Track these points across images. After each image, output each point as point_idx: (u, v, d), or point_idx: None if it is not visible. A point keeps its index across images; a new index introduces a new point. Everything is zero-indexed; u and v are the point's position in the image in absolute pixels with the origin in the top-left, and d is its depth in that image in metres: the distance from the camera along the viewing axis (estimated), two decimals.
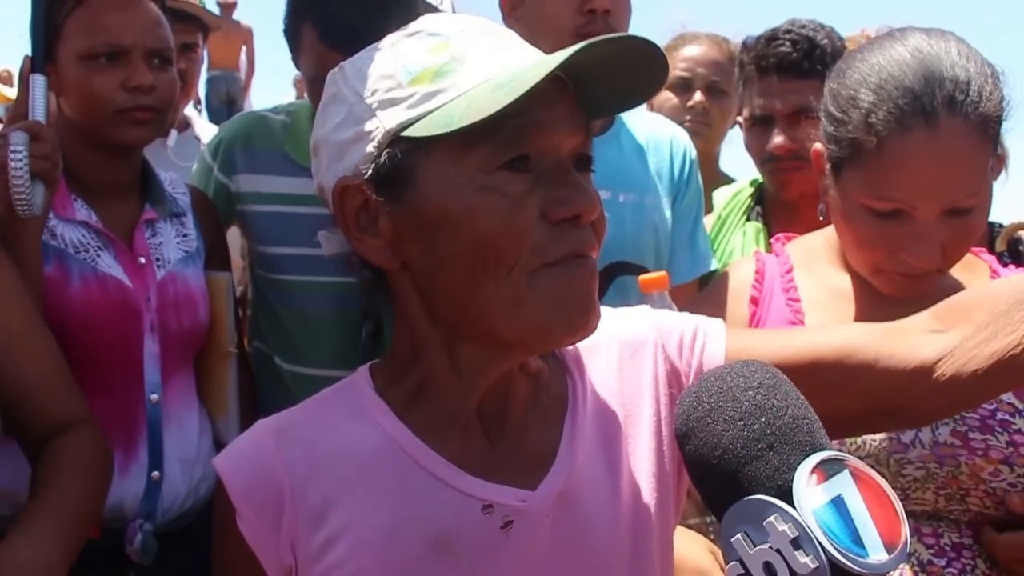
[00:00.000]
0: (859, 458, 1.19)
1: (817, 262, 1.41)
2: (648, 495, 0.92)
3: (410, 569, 0.85)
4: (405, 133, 0.81)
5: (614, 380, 0.95)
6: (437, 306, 0.86)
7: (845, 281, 1.37)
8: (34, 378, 1.34)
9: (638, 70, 0.83)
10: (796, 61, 1.85)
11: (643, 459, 0.92)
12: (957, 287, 1.34)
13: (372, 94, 0.84)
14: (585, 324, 0.82)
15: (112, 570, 1.54)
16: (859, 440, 1.22)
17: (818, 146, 1.32)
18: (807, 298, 1.38)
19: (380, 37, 1.63)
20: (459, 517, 0.85)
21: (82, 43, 1.53)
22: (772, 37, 1.89)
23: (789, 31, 1.87)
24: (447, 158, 0.80)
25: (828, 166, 1.29)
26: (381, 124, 0.82)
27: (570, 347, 0.96)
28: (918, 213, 1.19)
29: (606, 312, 0.97)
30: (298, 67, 1.78)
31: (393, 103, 0.82)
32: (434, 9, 2.32)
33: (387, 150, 0.82)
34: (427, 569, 0.85)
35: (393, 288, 0.89)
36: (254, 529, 0.87)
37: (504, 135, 0.78)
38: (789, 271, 1.42)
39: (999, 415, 1.21)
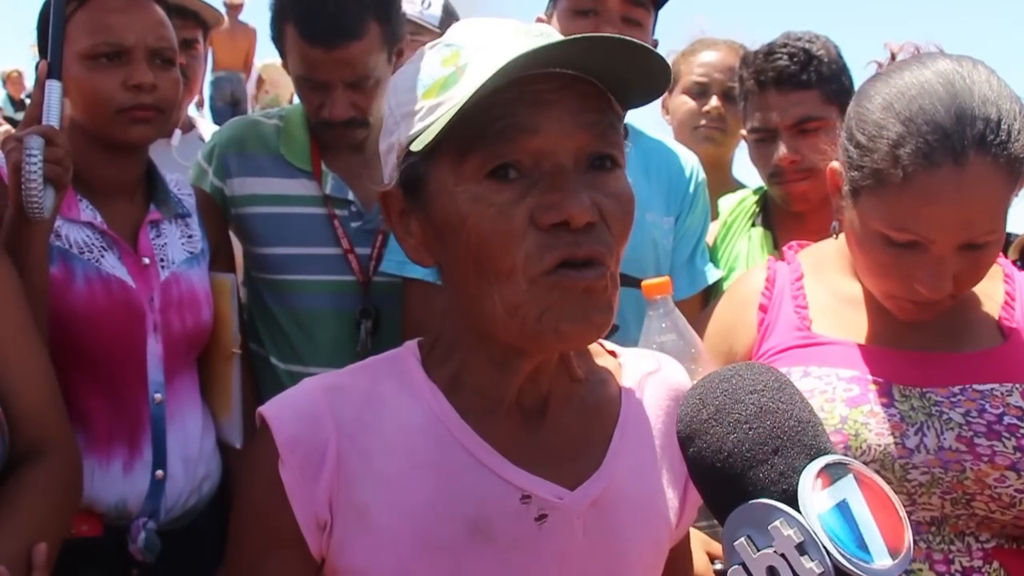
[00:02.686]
0: (864, 463, 1.19)
1: (828, 270, 1.42)
2: (665, 526, 0.97)
3: (446, 547, 0.86)
4: (412, 147, 0.84)
5: (656, 418, 0.99)
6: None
7: (855, 289, 1.37)
8: (17, 393, 1.26)
9: (639, 69, 0.82)
10: (794, 73, 1.85)
11: (669, 497, 0.97)
12: (968, 295, 1.33)
13: (398, 107, 0.88)
14: (579, 333, 0.81)
15: (115, 568, 1.55)
16: (864, 444, 1.22)
17: (835, 165, 1.30)
18: (815, 305, 1.38)
19: (361, 31, 1.68)
20: (498, 503, 0.87)
21: (84, 43, 1.54)
22: (769, 51, 1.89)
23: (785, 44, 1.88)
24: (447, 168, 0.82)
25: (846, 188, 1.27)
26: (398, 137, 0.87)
27: (631, 374, 1.00)
28: (935, 246, 1.18)
29: (667, 359, 1.04)
30: (288, 71, 1.83)
31: (408, 116, 0.86)
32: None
33: (405, 162, 0.86)
34: (462, 549, 0.86)
35: (443, 280, 0.93)
36: (295, 478, 0.87)
37: (489, 142, 0.79)
38: (799, 278, 1.42)
39: (1006, 419, 1.20)
